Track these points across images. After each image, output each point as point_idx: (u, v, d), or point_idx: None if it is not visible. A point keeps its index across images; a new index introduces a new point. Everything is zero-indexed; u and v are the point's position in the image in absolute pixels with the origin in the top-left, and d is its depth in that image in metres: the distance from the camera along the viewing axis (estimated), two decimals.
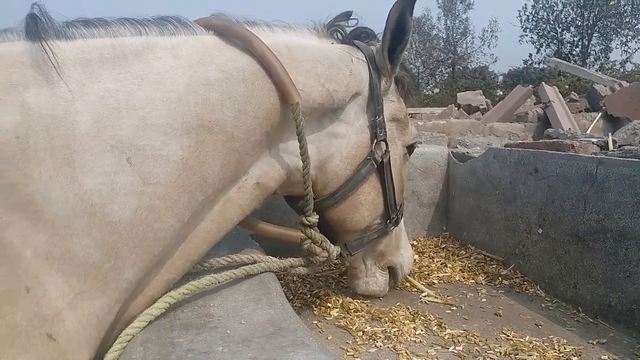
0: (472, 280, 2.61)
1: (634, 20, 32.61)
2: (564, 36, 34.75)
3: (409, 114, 2.31)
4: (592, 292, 2.17)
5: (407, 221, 2.77)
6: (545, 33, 35.27)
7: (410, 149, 2.19)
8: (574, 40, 34.60)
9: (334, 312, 2.21)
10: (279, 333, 1.25)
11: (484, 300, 2.38)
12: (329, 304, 2.28)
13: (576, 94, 12.35)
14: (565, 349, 1.87)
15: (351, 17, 2.03)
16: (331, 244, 1.95)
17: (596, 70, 24.94)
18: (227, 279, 1.58)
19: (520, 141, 4.50)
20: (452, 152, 3.46)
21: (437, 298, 2.38)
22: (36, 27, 1.22)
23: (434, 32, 38.41)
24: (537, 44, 35.74)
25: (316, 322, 2.13)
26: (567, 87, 16.16)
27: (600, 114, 9.27)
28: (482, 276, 2.64)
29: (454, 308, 2.29)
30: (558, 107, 9.16)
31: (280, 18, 1.75)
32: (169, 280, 1.47)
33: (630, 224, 1.99)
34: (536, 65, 34.83)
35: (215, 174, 1.43)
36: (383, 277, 2.29)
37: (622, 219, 2.03)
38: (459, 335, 1.98)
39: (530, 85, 12.56)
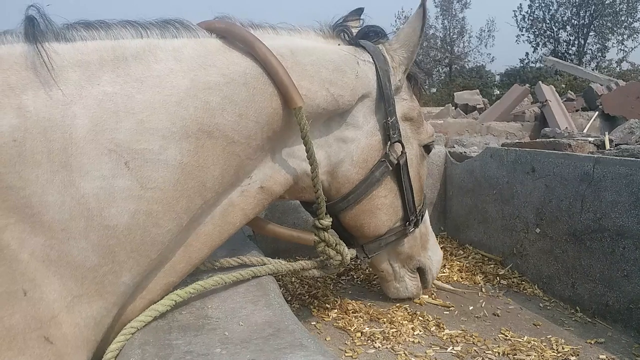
0: (470, 280, 2.61)
1: (629, 19, 32.72)
2: (560, 35, 34.84)
3: None
4: (589, 291, 2.17)
5: None
6: (541, 32, 35.34)
7: (426, 148, 2.13)
8: (570, 40, 34.68)
9: (333, 313, 2.21)
10: (277, 334, 1.25)
11: (482, 300, 2.38)
12: (327, 305, 2.28)
13: (573, 93, 12.36)
14: (563, 348, 1.88)
15: (361, 16, 1.99)
16: (346, 247, 1.91)
17: (592, 69, 25.00)
18: (233, 280, 1.57)
19: (517, 140, 4.50)
20: (449, 151, 3.46)
21: (450, 292, 2.39)
22: (33, 30, 1.21)
23: (431, 31, 38.43)
24: (533, 43, 35.83)
25: (314, 323, 2.13)
26: (563, 86, 16.16)
27: (597, 113, 9.27)
28: (480, 276, 2.64)
29: (452, 308, 2.29)
30: (555, 106, 9.16)
31: (288, 20, 1.74)
32: (169, 283, 1.46)
33: (627, 223, 1.99)
34: (533, 65, 34.95)
35: (214, 179, 1.41)
36: (413, 281, 2.25)
37: (619, 218, 2.03)
38: (457, 336, 1.99)
39: (527, 85, 12.57)
